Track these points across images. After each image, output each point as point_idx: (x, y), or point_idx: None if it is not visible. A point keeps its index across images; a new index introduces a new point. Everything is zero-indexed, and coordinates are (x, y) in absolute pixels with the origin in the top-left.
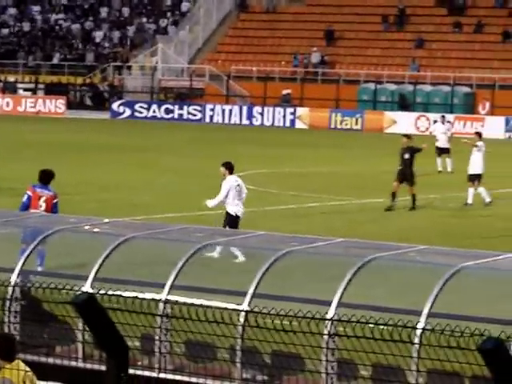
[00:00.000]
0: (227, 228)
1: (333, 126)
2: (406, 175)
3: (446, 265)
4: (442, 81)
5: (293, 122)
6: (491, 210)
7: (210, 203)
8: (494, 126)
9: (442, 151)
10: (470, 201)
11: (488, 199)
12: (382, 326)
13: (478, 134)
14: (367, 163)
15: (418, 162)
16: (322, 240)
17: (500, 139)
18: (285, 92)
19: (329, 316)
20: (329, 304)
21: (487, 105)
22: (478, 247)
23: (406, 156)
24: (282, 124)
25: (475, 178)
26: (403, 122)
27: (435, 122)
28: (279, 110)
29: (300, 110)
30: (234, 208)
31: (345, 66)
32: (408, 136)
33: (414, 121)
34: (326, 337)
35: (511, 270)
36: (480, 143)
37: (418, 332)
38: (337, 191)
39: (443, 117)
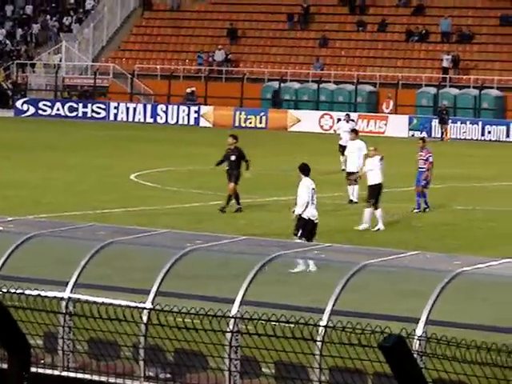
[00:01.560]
0: (300, 232)
1: (237, 125)
2: (231, 176)
3: (349, 262)
4: (345, 79)
5: (197, 120)
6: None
7: (298, 210)
8: (397, 125)
9: (345, 149)
10: (353, 198)
11: (352, 198)
12: (284, 324)
13: (355, 132)
14: (271, 161)
15: (323, 161)
16: (226, 238)
17: (403, 138)
18: (189, 90)
19: (232, 314)
20: (232, 302)
21: (391, 103)
22: (381, 245)
23: (233, 158)
24: (186, 122)
25: (350, 176)
26: (307, 121)
27: (339, 120)
28: (183, 108)
29: (204, 109)
30: (308, 212)
31: (249, 65)
32: (235, 136)
33: (318, 119)
34: (229, 335)
35: (413, 268)
36: (361, 143)
37: (321, 329)
38: (241, 189)
39: (348, 115)
